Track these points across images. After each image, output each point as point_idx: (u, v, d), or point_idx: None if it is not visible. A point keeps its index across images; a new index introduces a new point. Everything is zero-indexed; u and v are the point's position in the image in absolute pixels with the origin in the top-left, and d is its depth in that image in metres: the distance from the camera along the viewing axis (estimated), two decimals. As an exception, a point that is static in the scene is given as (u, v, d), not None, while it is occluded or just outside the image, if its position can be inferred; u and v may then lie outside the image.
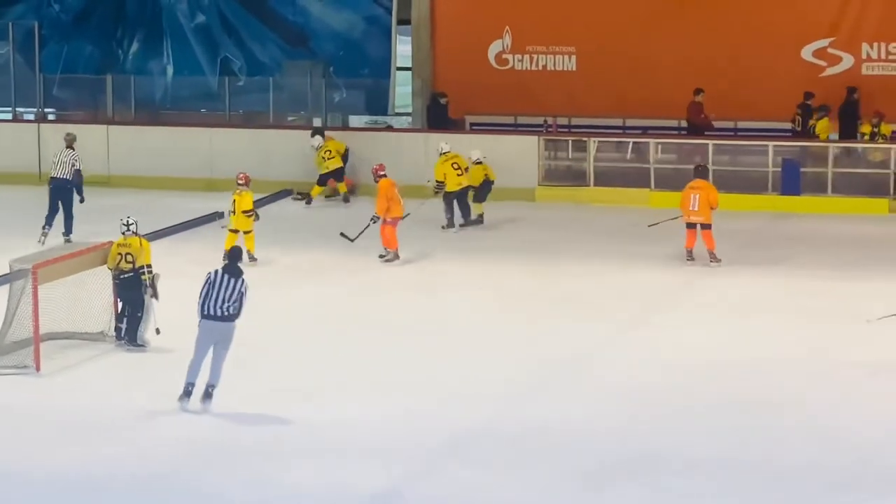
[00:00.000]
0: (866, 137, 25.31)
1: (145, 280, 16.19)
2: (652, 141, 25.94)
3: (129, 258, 16.24)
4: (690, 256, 20.46)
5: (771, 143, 25.13)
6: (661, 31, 26.94)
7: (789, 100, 25.96)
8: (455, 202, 23.01)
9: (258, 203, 21.36)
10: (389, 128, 28.84)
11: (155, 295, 16.24)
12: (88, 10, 30.58)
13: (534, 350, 16.39)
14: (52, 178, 22.14)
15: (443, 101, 27.59)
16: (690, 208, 20.49)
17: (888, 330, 16.64)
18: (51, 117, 30.43)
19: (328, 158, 25.35)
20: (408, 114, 29.08)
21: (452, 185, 22.94)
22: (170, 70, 30.34)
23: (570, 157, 26.85)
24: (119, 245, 16.37)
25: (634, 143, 26.56)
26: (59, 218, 21.92)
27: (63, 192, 21.92)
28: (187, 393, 14.25)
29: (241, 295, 14.26)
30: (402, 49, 29.18)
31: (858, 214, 23.91)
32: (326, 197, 25.60)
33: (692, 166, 21.84)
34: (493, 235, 22.84)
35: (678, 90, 26.26)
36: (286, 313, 17.99)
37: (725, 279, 19.71)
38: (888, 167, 24.66)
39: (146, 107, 30.09)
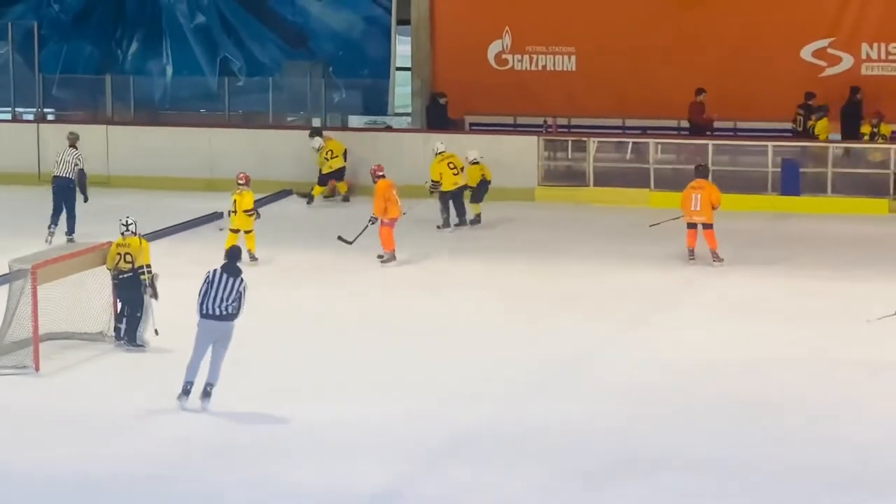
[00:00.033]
0: (866, 138, 25.31)
1: (145, 280, 16.18)
2: (651, 141, 25.94)
3: (129, 258, 16.23)
4: (692, 256, 20.46)
5: (770, 144, 25.13)
6: (661, 32, 26.93)
7: (789, 100, 25.97)
8: (451, 202, 23.00)
9: (258, 203, 21.35)
10: (389, 128, 28.83)
11: (154, 295, 16.23)
12: (88, 10, 30.58)
13: (534, 350, 16.38)
14: (54, 176, 22.16)
15: (442, 101, 27.59)
16: (692, 208, 20.48)
17: (888, 330, 16.64)
18: (50, 117, 30.43)
19: (331, 158, 25.36)
20: (407, 114, 29.08)
21: (448, 185, 22.93)
22: (169, 70, 30.34)
23: (569, 157, 26.86)
24: (118, 245, 16.36)
25: (634, 143, 26.56)
26: (63, 217, 21.93)
27: (65, 191, 21.93)
28: (186, 391, 14.27)
29: (240, 294, 14.26)
30: (402, 49, 29.18)
31: (858, 215, 23.91)
32: (325, 197, 25.60)
33: (692, 166, 21.85)
34: (493, 235, 22.84)
35: (678, 90, 26.26)
36: (286, 313, 17.98)
37: (725, 279, 19.71)
38: (888, 167, 24.65)
39: (145, 107, 30.09)
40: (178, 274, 17.42)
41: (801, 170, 24.84)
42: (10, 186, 26.16)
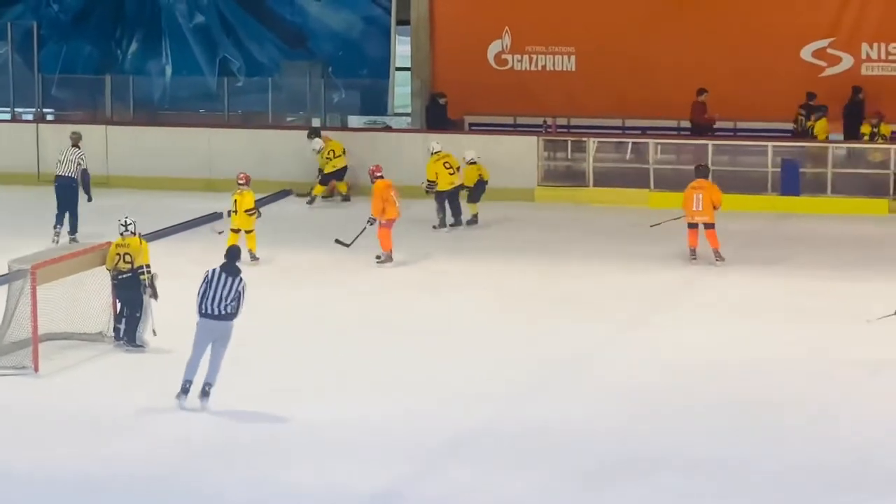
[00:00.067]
0: (866, 138, 25.30)
1: (144, 280, 16.17)
2: (651, 141, 25.92)
3: (128, 258, 16.22)
4: (694, 255, 20.46)
5: (770, 144, 25.12)
6: (661, 32, 26.92)
7: (789, 100, 25.96)
8: (447, 202, 22.98)
9: (258, 203, 21.33)
10: (388, 128, 28.82)
11: (154, 295, 16.22)
12: (87, 11, 30.58)
13: (534, 350, 16.38)
14: (56, 176, 22.15)
15: (442, 101, 27.58)
16: (694, 208, 20.48)
17: (888, 330, 16.63)
18: (49, 117, 30.43)
19: (335, 157, 25.37)
20: (407, 114, 29.06)
21: (444, 185, 22.92)
22: (168, 70, 30.34)
23: (569, 157, 26.85)
24: (117, 245, 16.35)
25: (634, 143, 26.55)
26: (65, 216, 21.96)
27: (67, 190, 21.94)
28: (185, 390, 14.27)
29: (239, 294, 14.26)
30: (401, 49, 29.18)
31: (858, 215, 23.90)
32: (324, 197, 25.58)
33: (692, 167, 21.85)
34: (492, 235, 22.83)
35: (677, 90, 26.25)
36: (286, 313, 17.98)
37: (725, 279, 19.70)
38: (888, 167, 24.64)
39: (145, 107, 30.08)
40: (178, 274, 17.41)
41: (801, 170, 24.83)
42: (9, 186, 26.15)
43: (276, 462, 12.98)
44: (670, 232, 21.31)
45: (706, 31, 26.78)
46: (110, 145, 26.65)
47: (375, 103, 29.48)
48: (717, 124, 26.50)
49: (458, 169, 23.03)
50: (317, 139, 25.75)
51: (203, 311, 14.22)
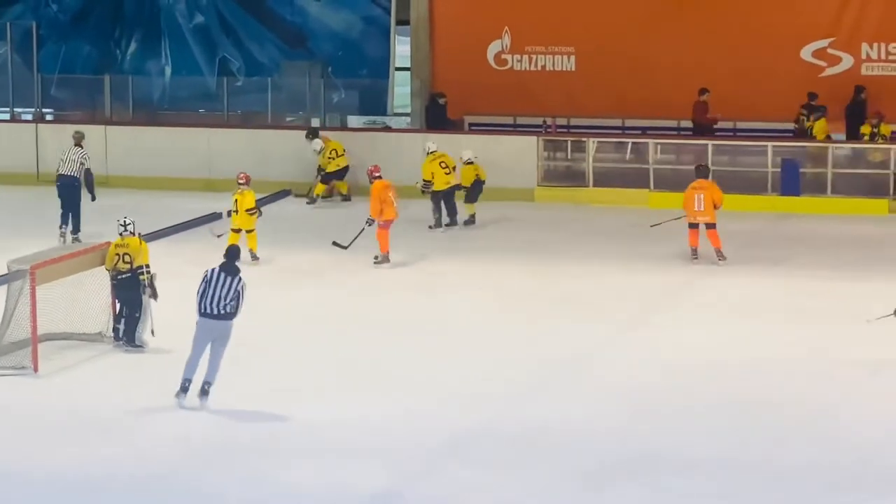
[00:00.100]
0: (866, 138, 25.29)
1: (144, 280, 16.15)
2: (651, 141, 25.91)
3: (127, 258, 16.21)
4: (695, 255, 20.47)
5: (770, 144, 25.11)
6: (661, 32, 26.92)
7: (789, 100, 25.95)
8: (442, 202, 22.96)
9: (258, 203, 21.30)
10: (387, 128, 28.81)
11: (154, 295, 16.20)
12: (86, 11, 30.56)
13: (534, 350, 16.37)
14: (59, 175, 22.14)
15: (441, 101, 27.57)
16: (696, 209, 20.47)
17: (888, 330, 16.60)
18: (49, 117, 30.44)
19: (337, 157, 25.36)
20: (406, 114, 29.06)
21: (440, 184, 22.91)
22: (168, 70, 30.33)
23: (569, 157, 26.84)
24: (117, 245, 16.34)
25: (633, 143, 26.55)
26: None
27: (70, 190, 21.95)
28: (184, 389, 14.28)
29: (238, 293, 14.26)
30: (401, 49, 29.17)
31: (858, 215, 23.89)
32: (323, 197, 25.57)
33: (692, 167, 21.85)
34: (492, 236, 22.82)
35: (677, 91, 26.25)
36: (286, 313, 17.97)
37: (725, 279, 19.70)
38: (888, 168, 24.64)
39: (144, 107, 30.09)
40: (177, 274, 17.41)
41: (801, 170, 24.82)
42: (8, 187, 26.14)
43: (276, 462, 12.97)
44: (670, 232, 21.30)
45: (706, 31, 26.78)
46: (110, 145, 26.64)
47: (375, 103, 29.47)
48: (717, 124, 26.48)
49: (454, 168, 23.01)
50: (317, 140, 25.74)
51: (202, 311, 14.23)
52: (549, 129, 27.08)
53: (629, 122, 27.37)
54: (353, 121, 29.85)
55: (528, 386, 15.15)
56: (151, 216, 22.02)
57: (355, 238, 20.86)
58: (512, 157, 25.42)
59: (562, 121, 27.59)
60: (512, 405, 14.60)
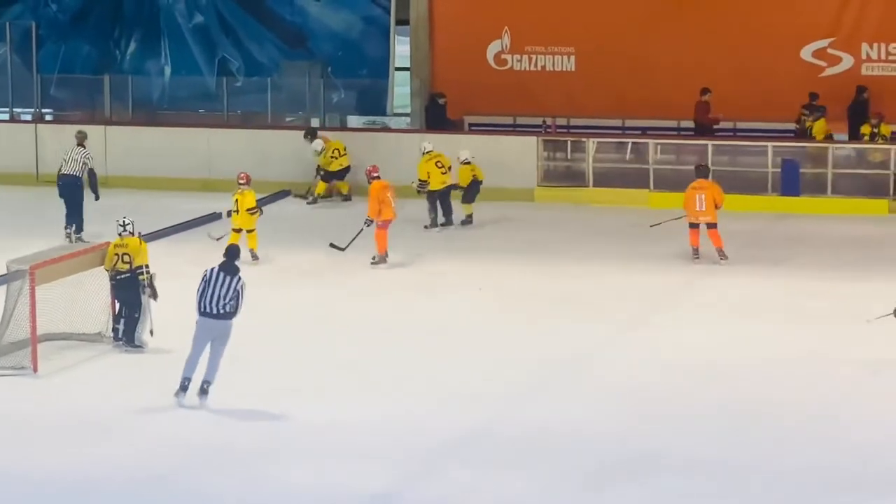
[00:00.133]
0: (866, 138, 25.28)
1: (143, 280, 16.14)
2: (651, 141, 25.90)
3: (127, 258, 16.19)
4: (697, 255, 20.46)
5: (770, 144, 25.10)
6: (660, 32, 26.91)
7: (789, 100, 25.93)
8: (438, 201, 22.93)
9: (259, 203, 21.28)
10: (387, 128, 28.79)
11: (154, 295, 16.19)
12: (86, 10, 30.54)
13: (534, 350, 16.36)
14: (62, 174, 22.13)
15: (441, 101, 27.55)
16: (697, 209, 20.46)
17: (888, 330, 16.57)
18: (48, 118, 30.42)
19: (340, 156, 25.35)
20: (406, 114, 29.04)
21: (436, 184, 22.88)
22: (167, 70, 30.31)
23: (569, 157, 26.83)
24: (116, 245, 16.33)
25: (633, 143, 26.54)
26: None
27: (72, 189, 21.95)
28: (183, 388, 14.29)
29: (238, 293, 14.26)
30: (401, 49, 29.15)
31: (858, 215, 23.88)
32: (323, 197, 25.55)
33: (692, 167, 21.84)
34: (492, 236, 22.81)
35: (677, 91, 26.24)
36: (286, 313, 17.96)
37: (725, 279, 19.69)
38: (888, 168, 24.62)
39: (144, 107, 30.06)
40: (177, 274, 17.40)
41: (801, 170, 24.80)
42: (7, 187, 26.12)
43: (276, 462, 12.96)
44: (670, 232, 21.30)
45: (706, 31, 26.77)
46: (109, 145, 26.61)
47: (375, 103, 29.45)
48: (719, 124, 26.46)
49: (449, 168, 22.99)
50: (317, 140, 25.72)
51: (202, 310, 14.23)
52: (549, 129, 27.07)
53: (629, 122, 27.36)
54: (353, 121, 29.83)
55: (528, 386, 15.14)
56: (151, 216, 22.00)
57: (353, 239, 20.83)
58: (512, 157, 25.40)
59: (562, 121, 27.58)
60: (512, 405, 14.59)
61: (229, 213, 21.04)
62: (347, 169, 25.34)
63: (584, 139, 25.90)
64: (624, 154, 26.64)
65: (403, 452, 13.21)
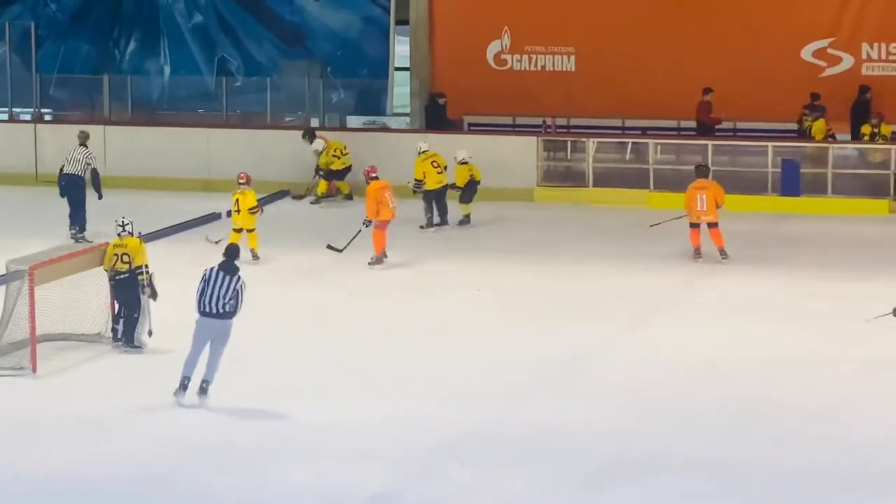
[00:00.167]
0: (866, 138, 25.28)
1: (143, 280, 16.12)
2: (651, 141, 25.89)
3: (126, 259, 16.18)
4: (699, 254, 20.45)
5: (770, 144, 25.09)
6: (660, 32, 26.89)
7: (789, 100, 25.90)
8: (434, 201, 22.91)
9: (259, 202, 21.27)
10: (386, 128, 28.77)
11: (153, 295, 16.17)
12: (85, 10, 30.53)
13: (534, 350, 16.34)
14: (64, 174, 22.12)
15: (441, 101, 27.54)
16: (699, 209, 20.45)
17: (888, 330, 16.57)
18: (47, 117, 30.40)
19: (342, 155, 25.34)
20: (406, 114, 29.02)
21: (432, 184, 22.86)
22: (167, 70, 30.29)
23: (569, 157, 26.83)
24: (115, 246, 16.31)
25: (633, 143, 26.53)
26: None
27: (74, 188, 21.95)
28: (183, 387, 14.29)
29: (237, 292, 14.25)
30: (401, 49, 29.13)
31: (858, 215, 23.86)
32: (324, 196, 25.52)
33: (692, 167, 21.82)
34: (492, 236, 22.80)
35: (677, 91, 26.23)
36: (286, 313, 17.94)
37: (725, 279, 19.68)
38: (888, 168, 24.61)
39: (143, 107, 30.05)
40: (177, 274, 17.40)
41: (801, 170, 24.79)
42: (7, 187, 26.12)
43: (276, 462, 12.95)
44: (670, 232, 21.29)
45: (706, 31, 26.74)
46: (108, 145, 26.59)
47: (374, 103, 29.44)
48: (721, 124, 26.44)
49: (445, 168, 22.97)
50: (318, 140, 25.70)
51: (202, 310, 14.23)
52: (548, 129, 27.05)
53: (629, 122, 27.34)
54: (352, 121, 29.81)
55: (528, 386, 15.13)
56: (150, 216, 21.99)
57: (351, 241, 20.80)
58: (512, 157, 25.39)
59: (562, 121, 27.57)
60: (512, 405, 14.58)
61: (229, 214, 21.01)
62: (349, 168, 25.33)
63: (584, 139, 25.89)
64: (624, 154, 26.63)
65: (403, 452, 13.20)
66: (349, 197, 25.39)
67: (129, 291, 16.20)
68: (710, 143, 25.20)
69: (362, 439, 13.51)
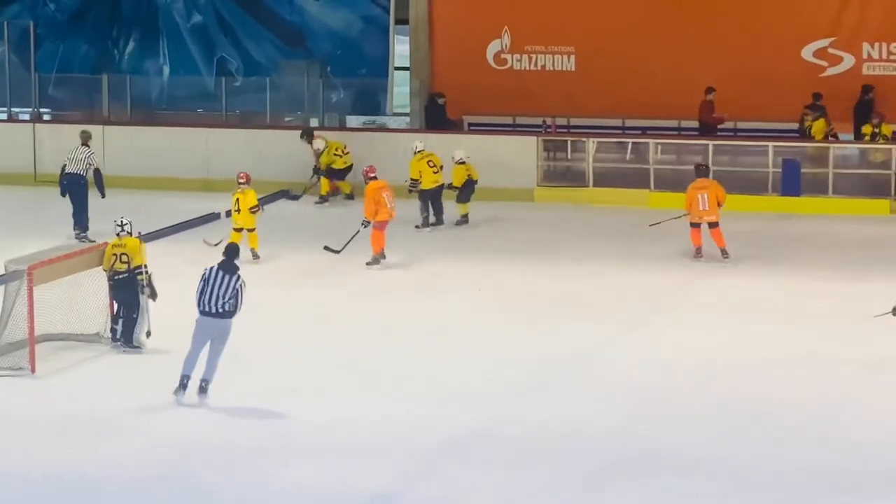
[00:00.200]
0: (867, 138, 25.27)
1: (142, 280, 16.11)
2: (651, 141, 25.88)
3: (125, 258, 16.17)
4: (700, 254, 20.44)
5: (771, 144, 25.08)
6: (660, 32, 26.88)
7: (790, 100, 25.89)
8: (430, 201, 22.89)
9: (259, 202, 21.26)
10: (385, 128, 28.76)
11: (153, 294, 16.16)
12: (84, 10, 30.51)
13: (534, 350, 16.33)
14: (66, 173, 22.12)
15: (441, 101, 27.53)
16: (700, 208, 20.44)
17: (888, 330, 16.56)
18: (46, 117, 30.40)
19: (344, 154, 25.33)
20: (406, 114, 29.01)
21: (428, 183, 22.84)
22: (166, 70, 30.28)
23: (569, 157, 26.82)
24: (114, 246, 16.30)
25: (634, 143, 26.52)
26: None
27: (76, 188, 21.95)
28: (183, 386, 14.28)
29: (237, 292, 14.24)
30: (400, 49, 29.12)
31: (859, 215, 23.86)
32: (321, 197, 25.53)
33: (692, 167, 21.82)
34: (492, 236, 22.79)
35: (678, 91, 26.23)
36: (286, 313, 17.93)
37: (725, 279, 19.67)
38: (889, 168, 24.60)
39: (142, 107, 30.04)
40: (176, 274, 17.39)
41: (802, 170, 24.78)
42: (6, 187, 26.11)
43: (276, 462, 12.93)
44: (670, 232, 21.28)
45: (706, 31, 26.74)
46: (107, 145, 26.57)
47: (374, 103, 29.43)
48: (723, 124, 26.43)
49: (441, 167, 22.95)
50: (318, 140, 25.68)
51: (201, 309, 14.23)
52: (548, 129, 27.04)
53: (629, 122, 27.34)
54: (352, 121, 29.81)
55: (528, 386, 15.11)
56: (150, 216, 21.97)
57: (349, 242, 20.78)
58: (511, 157, 25.38)
59: (562, 121, 27.55)
60: (512, 405, 14.57)
61: (228, 214, 20.99)
62: (351, 167, 25.32)
63: (584, 139, 25.88)
64: (624, 154, 26.63)
65: (403, 452, 13.19)
66: (350, 196, 25.38)
67: (128, 291, 16.19)
68: (710, 142, 25.20)
69: (362, 439, 13.49)
